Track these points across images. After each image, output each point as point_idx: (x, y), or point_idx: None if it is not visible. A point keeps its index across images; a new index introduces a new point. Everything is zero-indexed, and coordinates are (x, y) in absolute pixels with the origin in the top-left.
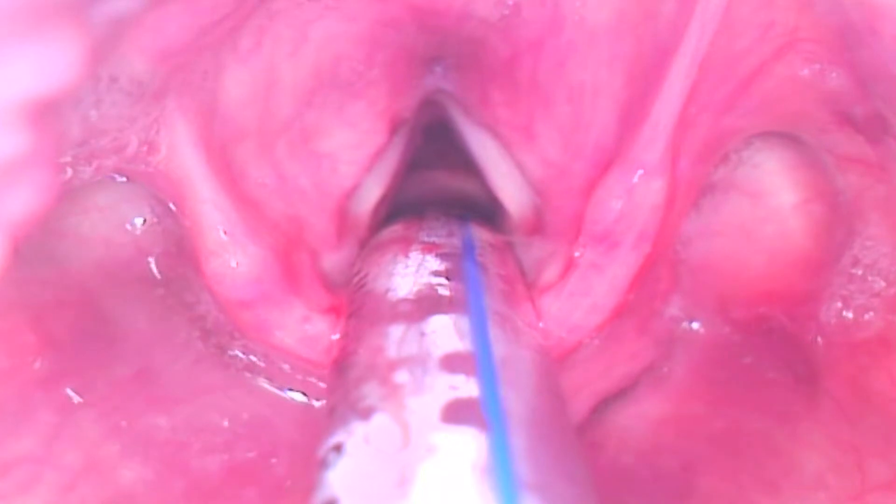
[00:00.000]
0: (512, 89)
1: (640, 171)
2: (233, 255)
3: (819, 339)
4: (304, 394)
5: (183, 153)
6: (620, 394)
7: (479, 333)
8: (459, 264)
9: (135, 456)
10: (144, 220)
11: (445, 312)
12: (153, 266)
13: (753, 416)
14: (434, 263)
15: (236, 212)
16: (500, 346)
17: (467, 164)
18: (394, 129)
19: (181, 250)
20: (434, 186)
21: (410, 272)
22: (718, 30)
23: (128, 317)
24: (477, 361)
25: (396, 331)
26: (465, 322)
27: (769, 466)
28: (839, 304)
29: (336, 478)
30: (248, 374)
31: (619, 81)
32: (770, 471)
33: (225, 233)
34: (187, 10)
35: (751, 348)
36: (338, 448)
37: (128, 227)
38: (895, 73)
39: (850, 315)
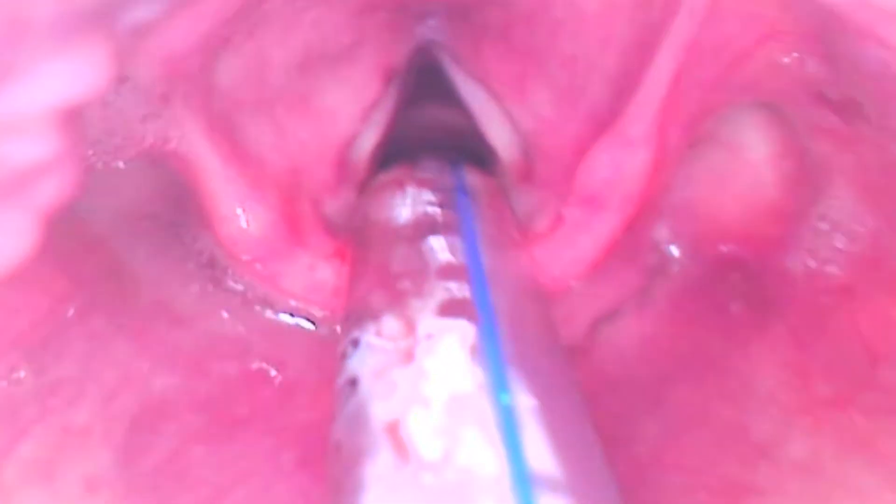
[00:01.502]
0: (505, 48)
1: (628, 143)
2: (244, 220)
3: (784, 280)
4: (308, 320)
5: (194, 141)
6: (610, 315)
7: (471, 249)
8: (452, 197)
9: (163, 368)
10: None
11: (440, 234)
12: (157, 212)
13: (716, 339)
14: (429, 196)
15: (244, 179)
16: (489, 260)
17: (460, 106)
18: (387, 80)
19: (178, 199)
20: (429, 126)
21: (408, 203)
22: (706, 19)
23: (137, 257)
24: (469, 270)
25: (398, 250)
26: (458, 241)
27: (728, 383)
28: (805, 255)
29: (355, 363)
30: (253, 306)
31: (611, 60)
32: (730, 386)
33: (237, 202)
34: (193, 18)
35: (721, 281)
36: (354, 342)
37: (136, 182)
38: (869, 69)
39: (814, 265)
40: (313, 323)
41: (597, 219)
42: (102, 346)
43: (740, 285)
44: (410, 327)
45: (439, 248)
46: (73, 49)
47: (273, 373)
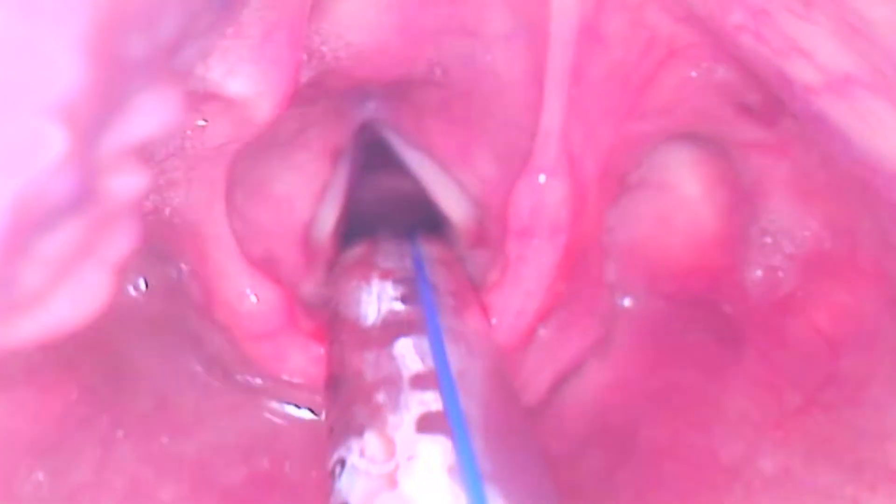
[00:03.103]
0: (446, 121)
1: (542, 174)
2: (246, 299)
3: (742, 301)
4: (310, 410)
5: (204, 214)
6: (575, 369)
7: (438, 353)
8: (414, 287)
9: (168, 477)
10: (146, 284)
11: (408, 335)
12: (152, 307)
13: (685, 373)
14: (392, 290)
15: (247, 266)
16: (456, 361)
17: (411, 175)
18: (335, 160)
19: (182, 296)
20: (384, 197)
21: (374, 299)
22: (598, 54)
23: (141, 357)
24: (438, 378)
25: (370, 355)
26: (424, 342)
27: (700, 412)
28: (756, 271)
29: (344, 486)
30: (257, 397)
31: (534, 115)
32: (701, 415)
33: (240, 282)
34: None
35: (681, 316)
36: (341, 462)
37: (134, 286)
38: (779, 69)
39: (766, 278)
40: (315, 412)
41: (532, 250)
42: (110, 451)
43: (700, 316)
44: (391, 447)
45: (408, 353)
46: (154, 86)
47: (278, 474)
